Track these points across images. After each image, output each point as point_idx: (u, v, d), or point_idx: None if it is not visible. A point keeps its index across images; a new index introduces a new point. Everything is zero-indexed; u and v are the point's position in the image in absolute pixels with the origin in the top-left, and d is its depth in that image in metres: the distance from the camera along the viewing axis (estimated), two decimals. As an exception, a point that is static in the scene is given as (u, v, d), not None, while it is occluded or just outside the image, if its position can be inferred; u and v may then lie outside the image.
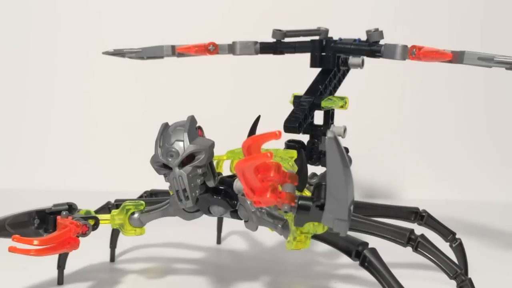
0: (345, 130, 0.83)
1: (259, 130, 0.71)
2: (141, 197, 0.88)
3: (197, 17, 1.50)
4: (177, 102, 1.45)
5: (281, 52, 0.93)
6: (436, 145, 1.50)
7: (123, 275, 0.87)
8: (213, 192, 0.69)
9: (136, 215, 0.74)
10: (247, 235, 1.04)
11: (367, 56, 0.85)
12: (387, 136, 1.49)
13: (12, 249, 0.62)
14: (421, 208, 0.86)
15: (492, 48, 0.82)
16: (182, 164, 0.64)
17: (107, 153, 1.50)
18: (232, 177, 0.70)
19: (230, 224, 0.88)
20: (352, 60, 0.87)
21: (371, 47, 0.84)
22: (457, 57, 0.77)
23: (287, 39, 0.93)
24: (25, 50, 1.51)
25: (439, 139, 1.50)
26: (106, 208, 0.81)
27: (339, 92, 0.89)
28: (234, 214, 0.70)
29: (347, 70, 0.90)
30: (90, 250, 0.77)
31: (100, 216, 0.73)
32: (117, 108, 1.52)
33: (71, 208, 0.73)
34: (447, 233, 0.85)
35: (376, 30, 0.84)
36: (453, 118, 1.50)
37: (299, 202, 0.61)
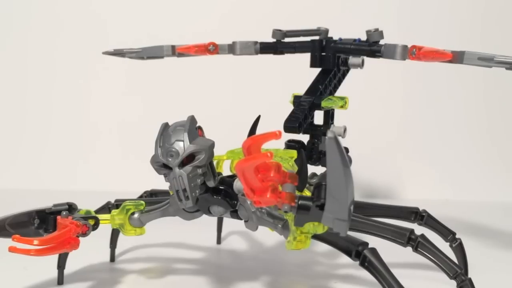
0: (345, 130, 0.83)
1: (259, 130, 0.71)
2: (141, 197, 0.88)
3: (197, 17, 1.50)
4: (177, 102, 1.45)
5: (281, 52, 0.93)
6: (436, 145, 1.50)
7: (123, 275, 0.87)
8: (213, 192, 0.69)
9: (136, 215, 0.74)
10: (247, 235, 1.04)
11: (367, 56, 0.85)
12: (387, 136, 1.49)
13: (12, 249, 0.62)
14: (421, 208, 0.86)
15: (492, 48, 0.82)
16: (182, 164, 0.64)
17: (107, 153, 1.50)
18: (232, 177, 0.70)
19: (230, 224, 0.88)
20: (352, 60, 0.87)
21: (371, 47, 0.84)
22: (457, 57, 0.77)
23: (287, 39, 0.93)
24: (25, 51, 1.51)
25: (439, 139, 1.50)
26: (106, 208, 0.81)
27: (339, 92, 0.89)
28: (234, 214, 0.70)
29: (347, 70, 0.90)
30: (90, 250, 0.77)
31: (100, 216, 0.73)
32: (117, 108, 1.52)
33: (71, 208, 0.73)
34: (447, 233, 0.85)
35: (376, 30, 0.84)
36: (453, 118, 1.50)
37: (299, 202, 0.61)
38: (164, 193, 0.85)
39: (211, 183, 0.68)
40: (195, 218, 0.72)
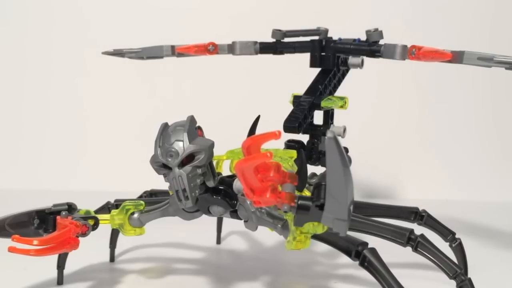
0: (345, 130, 0.83)
1: (259, 130, 0.71)
2: (141, 197, 0.88)
3: (197, 17, 1.50)
4: (177, 102, 1.45)
5: (281, 52, 0.93)
6: (436, 145, 1.50)
7: (123, 275, 0.87)
8: (213, 192, 0.69)
9: (135, 215, 0.74)
10: (247, 235, 1.04)
11: (367, 56, 0.85)
12: (387, 136, 1.49)
13: (12, 249, 0.62)
14: (421, 208, 0.86)
15: (492, 48, 0.82)
16: (182, 164, 0.64)
17: (107, 153, 1.50)
18: (232, 177, 0.70)
19: (230, 224, 0.88)
20: (352, 60, 0.88)
21: (371, 47, 0.84)
22: (457, 57, 0.77)
23: (286, 39, 0.93)
24: (23, 50, 1.51)
25: (439, 139, 1.50)
26: (106, 208, 0.81)
27: (339, 92, 0.89)
28: (234, 214, 0.70)
29: (347, 70, 0.90)
30: (90, 250, 0.77)
31: (100, 216, 0.73)
32: (117, 108, 1.52)
33: (70, 208, 0.73)
34: (446, 233, 0.85)
35: (376, 30, 0.84)
36: (453, 117, 1.50)
37: (299, 202, 0.61)
38: (164, 193, 0.85)
39: (210, 183, 0.68)
40: (195, 218, 0.72)
